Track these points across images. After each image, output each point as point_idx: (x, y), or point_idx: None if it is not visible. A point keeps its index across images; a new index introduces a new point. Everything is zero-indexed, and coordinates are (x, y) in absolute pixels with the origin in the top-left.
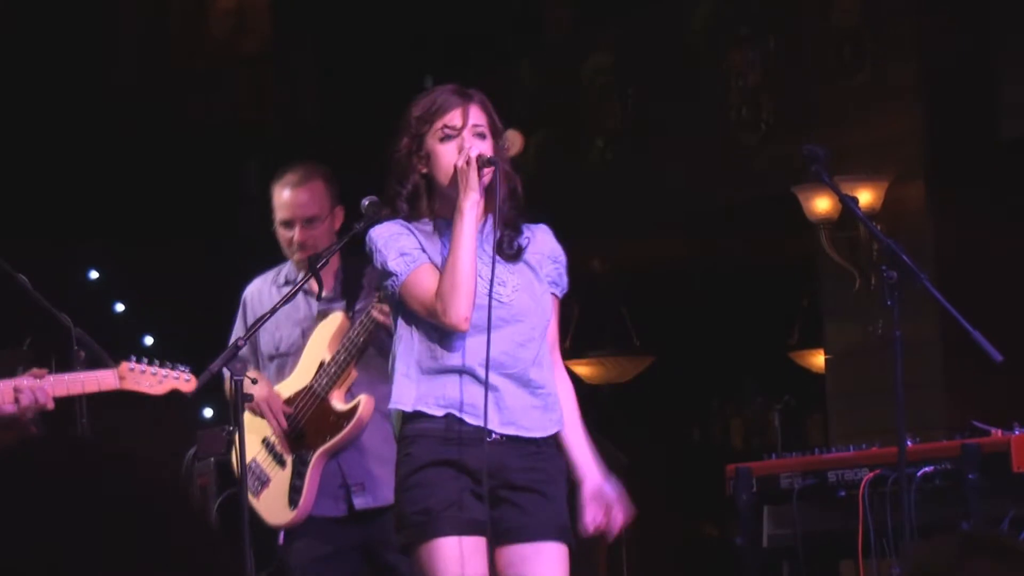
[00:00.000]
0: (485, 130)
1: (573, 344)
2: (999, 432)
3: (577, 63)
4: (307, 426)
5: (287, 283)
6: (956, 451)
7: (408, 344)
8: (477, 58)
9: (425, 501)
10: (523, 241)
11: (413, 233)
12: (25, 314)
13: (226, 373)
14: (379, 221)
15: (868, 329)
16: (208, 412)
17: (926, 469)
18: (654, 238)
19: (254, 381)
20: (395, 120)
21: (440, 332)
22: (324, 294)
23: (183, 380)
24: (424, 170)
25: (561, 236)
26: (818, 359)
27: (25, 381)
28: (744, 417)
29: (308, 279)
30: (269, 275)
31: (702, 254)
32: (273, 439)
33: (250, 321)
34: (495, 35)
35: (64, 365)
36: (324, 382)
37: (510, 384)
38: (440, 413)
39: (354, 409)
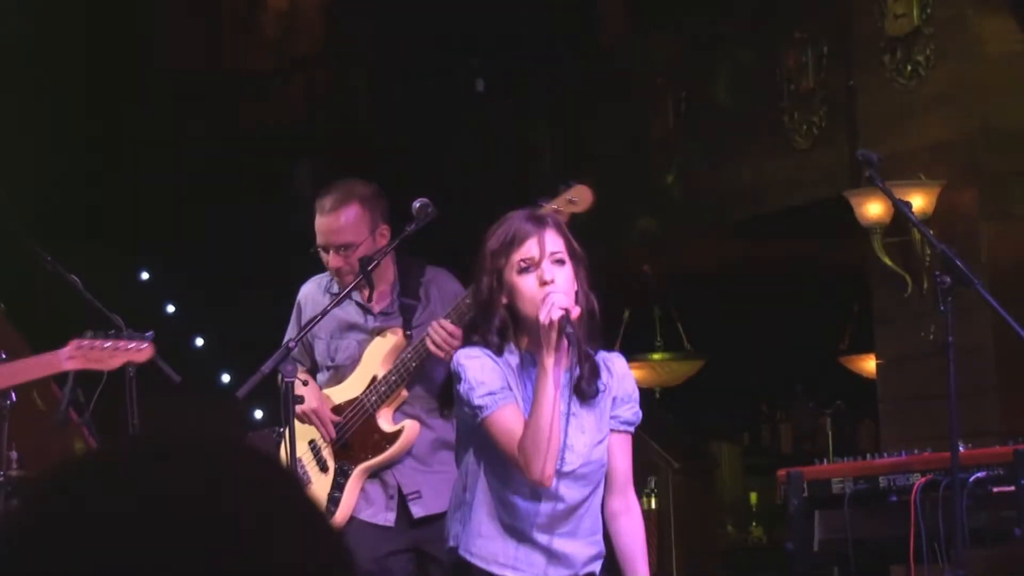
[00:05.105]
0: (564, 255)
1: (624, 346)
2: None
3: (630, 67)
4: (353, 439)
5: (337, 292)
6: (1009, 456)
7: (475, 479)
8: (529, 61)
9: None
10: (600, 385)
11: (502, 369)
12: (77, 314)
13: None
14: (467, 344)
15: (920, 334)
16: (258, 413)
17: (978, 474)
18: (706, 241)
19: (305, 383)
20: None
21: (507, 480)
22: (382, 308)
23: (135, 349)
24: (507, 302)
25: (613, 240)
26: (869, 364)
27: None
28: (794, 422)
29: (359, 280)
30: (323, 280)
31: (754, 258)
32: (320, 443)
33: (303, 323)
34: (548, 38)
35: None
36: (374, 399)
37: (566, 542)
38: (499, 572)
39: (397, 434)
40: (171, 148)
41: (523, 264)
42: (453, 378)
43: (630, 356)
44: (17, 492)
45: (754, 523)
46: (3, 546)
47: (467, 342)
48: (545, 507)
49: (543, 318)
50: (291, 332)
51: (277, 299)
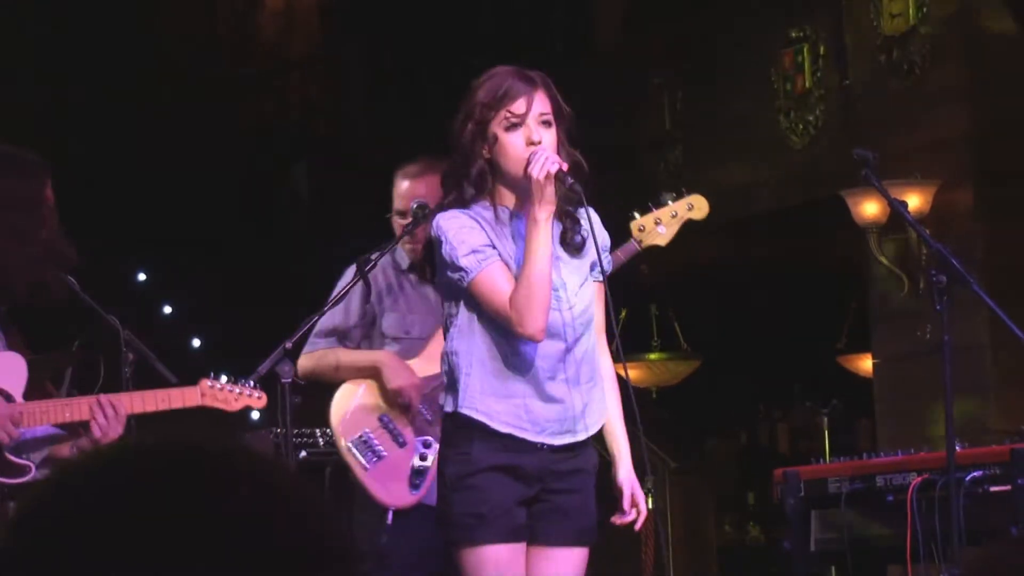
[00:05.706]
0: (550, 117)
1: (620, 347)
2: None
3: (627, 66)
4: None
5: (407, 267)
6: (1005, 456)
7: (469, 339)
8: (528, 62)
9: (478, 506)
10: (583, 233)
11: (481, 226)
12: (74, 316)
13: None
14: (442, 209)
15: (917, 333)
16: (255, 415)
17: (975, 474)
18: (703, 241)
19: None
20: (459, 100)
21: (502, 333)
22: None
23: (255, 398)
24: (489, 156)
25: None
26: (866, 363)
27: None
28: (791, 421)
29: (356, 282)
30: (385, 255)
31: (751, 257)
32: (393, 416)
33: (373, 296)
34: (546, 39)
35: (112, 367)
36: None
37: (566, 389)
38: (504, 430)
39: None
40: (169, 148)
41: (511, 120)
42: (435, 244)
43: (627, 356)
44: (14, 494)
45: (751, 522)
46: (4, 547)
47: (444, 195)
48: (543, 347)
49: (537, 172)
50: (339, 310)
51: (275, 299)
